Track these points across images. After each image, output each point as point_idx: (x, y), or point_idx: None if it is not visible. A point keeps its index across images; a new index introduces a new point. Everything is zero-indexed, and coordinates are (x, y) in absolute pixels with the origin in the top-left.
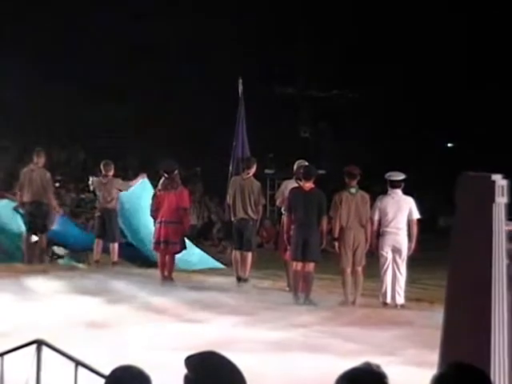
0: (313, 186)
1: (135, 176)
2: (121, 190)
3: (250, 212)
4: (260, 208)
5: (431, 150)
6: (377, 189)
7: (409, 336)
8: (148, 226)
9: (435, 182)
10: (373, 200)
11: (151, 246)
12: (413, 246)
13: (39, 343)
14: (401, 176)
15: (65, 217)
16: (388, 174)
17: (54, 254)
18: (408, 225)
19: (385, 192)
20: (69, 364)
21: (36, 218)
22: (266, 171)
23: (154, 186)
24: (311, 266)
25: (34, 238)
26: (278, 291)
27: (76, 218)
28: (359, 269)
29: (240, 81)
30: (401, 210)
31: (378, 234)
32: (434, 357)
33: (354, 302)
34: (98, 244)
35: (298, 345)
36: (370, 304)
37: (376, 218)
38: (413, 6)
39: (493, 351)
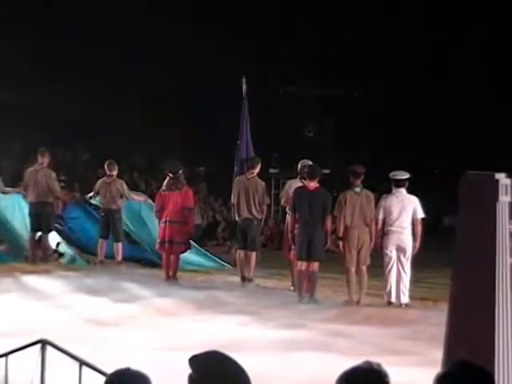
0: (317, 185)
1: (139, 175)
2: (122, 195)
3: (254, 212)
4: (264, 208)
5: (435, 149)
6: (381, 188)
7: (413, 335)
8: (152, 235)
9: (440, 181)
10: (377, 199)
11: (156, 246)
12: (417, 245)
13: (43, 343)
14: (405, 175)
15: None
16: (392, 173)
17: (56, 251)
18: (412, 224)
19: (389, 191)
20: (73, 364)
21: (40, 218)
22: (271, 171)
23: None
24: (316, 265)
25: (39, 236)
26: (282, 291)
27: None
28: (364, 268)
29: (244, 80)
30: (405, 209)
31: (383, 233)
32: (438, 356)
33: (358, 302)
34: (102, 244)
35: (302, 344)
36: (375, 303)
37: (380, 217)
38: (419, 4)
39: (497, 350)
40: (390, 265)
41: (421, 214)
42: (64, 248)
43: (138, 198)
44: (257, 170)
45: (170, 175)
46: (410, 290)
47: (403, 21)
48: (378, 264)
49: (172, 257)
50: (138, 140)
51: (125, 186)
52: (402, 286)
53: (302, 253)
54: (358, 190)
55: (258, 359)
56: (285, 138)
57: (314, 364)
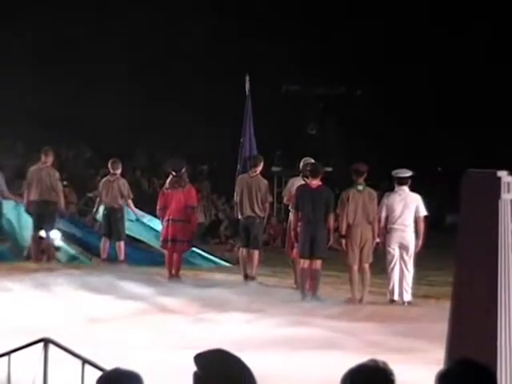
0: (320, 183)
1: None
2: (122, 194)
3: (257, 210)
4: (267, 206)
5: (437, 147)
6: (384, 186)
7: (416, 333)
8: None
9: (442, 179)
10: (380, 197)
11: (159, 245)
12: (420, 243)
13: (46, 341)
14: (408, 173)
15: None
16: (395, 171)
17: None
18: (415, 222)
19: (392, 189)
20: (76, 362)
21: (43, 217)
22: (273, 169)
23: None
24: (318, 263)
25: (42, 234)
26: (285, 289)
27: (83, 217)
28: (366, 266)
29: (247, 78)
30: (408, 207)
31: (385, 231)
32: (440, 353)
33: (361, 300)
34: (104, 242)
35: (306, 342)
36: (378, 301)
37: (383, 214)
38: (422, 3)
39: (499, 348)
40: (393, 263)
41: (423, 212)
42: (62, 245)
43: (133, 208)
44: (259, 168)
45: (173, 173)
46: (413, 288)
47: (403, 21)
48: (380, 261)
49: (175, 255)
50: (141, 138)
51: (126, 186)
52: (404, 284)
53: (305, 251)
54: (360, 187)
55: (261, 357)
56: (287, 136)
57: (317, 362)
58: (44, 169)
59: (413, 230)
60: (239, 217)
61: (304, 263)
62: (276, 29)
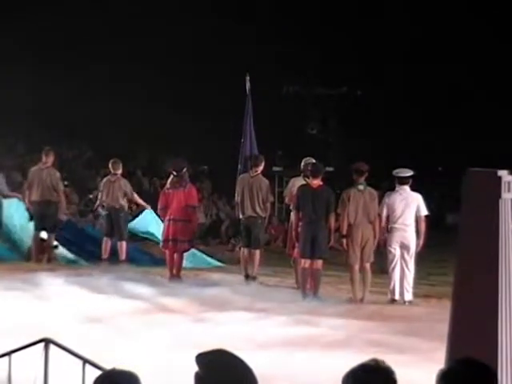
0: (321, 183)
1: (142, 174)
2: (125, 195)
3: (258, 210)
4: (268, 205)
5: (437, 147)
6: (384, 185)
7: (417, 332)
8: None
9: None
10: (381, 197)
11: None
12: (421, 242)
13: (47, 341)
14: (408, 172)
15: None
16: (396, 171)
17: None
18: (416, 221)
19: (393, 189)
20: (76, 362)
21: (45, 217)
22: (274, 168)
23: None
24: (319, 263)
25: (43, 235)
26: (286, 288)
27: (84, 217)
28: (367, 265)
29: (247, 78)
30: (409, 207)
31: (386, 231)
32: (441, 353)
33: (362, 299)
34: (106, 242)
35: (306, 342)
36: (379, 301)
37: (384, 214)
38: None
39: (500, 347)
40: (394, 262)
41: (424, 212)
42: (61, 249)
43: (141, 202)
44: (261, 168)
45: (174, 173)
46: (414, 288)
47: (403, 21)
48: (381, 261)
49: (176, 255)
50: (141, 138)
51: (128, 186)
52: (405, 284)
53: (306, 250)
54: (361, 187)
55: (262, 357)
56: (288, 136)
57: (319, 361)
58: (45, 169)
59: (414, 229)
60: (240, 217)
61: (305, 263)
62: (276, 29)
